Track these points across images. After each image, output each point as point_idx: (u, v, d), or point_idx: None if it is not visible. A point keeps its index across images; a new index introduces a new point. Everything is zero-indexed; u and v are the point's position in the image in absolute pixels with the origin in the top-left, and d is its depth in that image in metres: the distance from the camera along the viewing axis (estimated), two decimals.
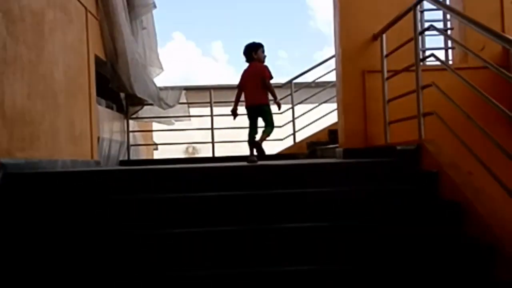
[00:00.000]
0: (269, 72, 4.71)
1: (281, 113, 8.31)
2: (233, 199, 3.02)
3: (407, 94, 3.93)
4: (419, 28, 3.83)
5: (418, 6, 3.83)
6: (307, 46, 34.15)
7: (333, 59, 7.90)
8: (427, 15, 5.56)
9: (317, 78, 8.30)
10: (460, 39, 5.06)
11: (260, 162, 4.47)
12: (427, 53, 4.73)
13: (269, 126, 4.68)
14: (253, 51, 4.75)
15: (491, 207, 2.70)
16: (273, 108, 4.84)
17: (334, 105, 8.11)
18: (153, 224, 2.89)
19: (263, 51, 4.78)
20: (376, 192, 3.18)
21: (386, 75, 4.56)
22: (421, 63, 4.15)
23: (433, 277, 2.52)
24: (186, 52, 36.35)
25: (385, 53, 4.57)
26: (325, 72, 8.08)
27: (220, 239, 2.71)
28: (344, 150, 4.75)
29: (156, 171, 3.73)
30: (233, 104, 4.85)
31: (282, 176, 3.40)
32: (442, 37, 5.38)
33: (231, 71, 31.87)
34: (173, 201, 3.02)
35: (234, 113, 4.86)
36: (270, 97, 4.73)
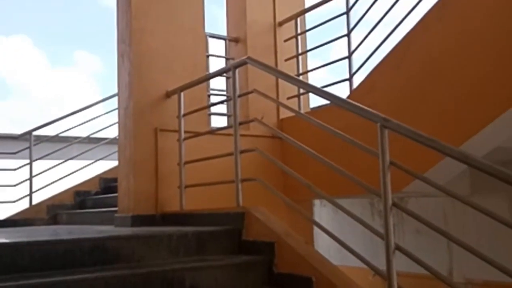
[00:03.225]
0: None
1: (14, 169, 6.93)
2: None
3: (222, 156, 3.72)
4: (238, 91, 3.72)
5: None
6: None
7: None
8: None
9: (62, 132, 7.27)
10: (241, 108, 5.24)
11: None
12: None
13: None
14: None
15: (345, 280, 2.66)
16: None
17: (81, 163, 7.28)
18: None
19: None
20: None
21: (183, 135, 4.26)
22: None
23: None
24: None
25: (182, 112, 4.29)
26: (74, 125, 7.15)
27: None
28: (133, 217, 4.12)
29: None
30: None
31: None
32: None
33: None
34: None
35: None
36: None
